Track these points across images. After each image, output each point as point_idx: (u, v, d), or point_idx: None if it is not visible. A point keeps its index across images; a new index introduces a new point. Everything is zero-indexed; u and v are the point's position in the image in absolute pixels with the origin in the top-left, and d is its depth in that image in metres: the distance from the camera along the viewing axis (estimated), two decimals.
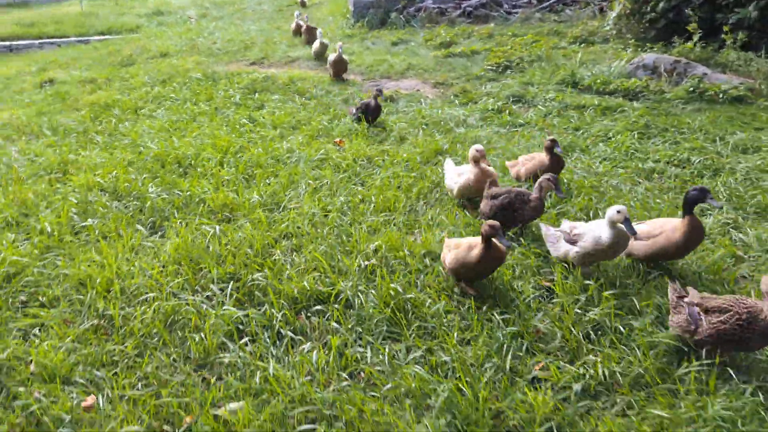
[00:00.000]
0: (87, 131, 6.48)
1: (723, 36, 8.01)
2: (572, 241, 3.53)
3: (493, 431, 2.45)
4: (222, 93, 7.64)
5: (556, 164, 4.54)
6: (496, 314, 3.14)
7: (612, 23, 9.61)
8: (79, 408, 2.66)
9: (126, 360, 2.94)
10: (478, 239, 3.29)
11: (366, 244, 3.78)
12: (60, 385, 2.76)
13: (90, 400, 2.70)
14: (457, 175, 4.46)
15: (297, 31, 11.14)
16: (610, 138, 5.78)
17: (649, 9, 9.01)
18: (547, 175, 3.87)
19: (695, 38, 8.03)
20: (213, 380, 2.78)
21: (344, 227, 4.04)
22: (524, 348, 2.92)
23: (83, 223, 4.24)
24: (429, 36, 10.50)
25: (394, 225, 4.09)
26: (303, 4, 14.40)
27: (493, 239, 3.24)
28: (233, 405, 2.57)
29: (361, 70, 8.70)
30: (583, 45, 9.35)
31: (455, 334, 2.99)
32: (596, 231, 3.46)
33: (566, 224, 3.64)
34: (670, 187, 4.74)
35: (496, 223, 3.18)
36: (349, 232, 3.97)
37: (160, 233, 4.16)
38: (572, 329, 2.98)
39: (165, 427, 2.53)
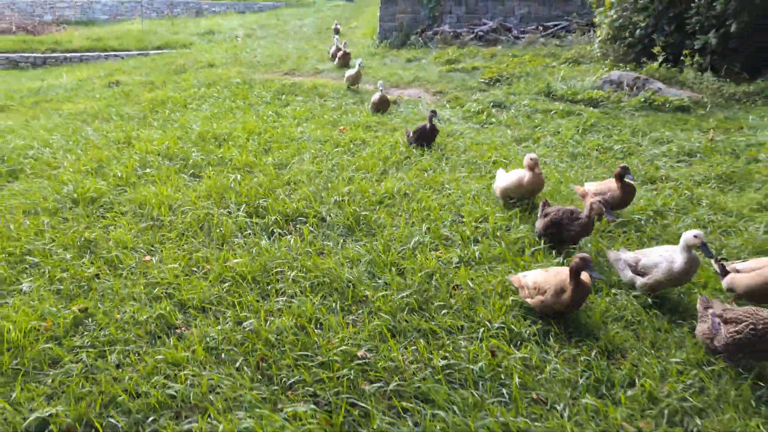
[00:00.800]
0: (146, 117, 8.30)
1: (683, 59, 9.41)
2: (640, 273, 3.67)
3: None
4: (256, 94, 9.41)
5: (627, 193, 4.49)
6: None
7: (597, 47, 11.10)
8: (142, 261, 4.29)
9: (170, 241, 4.57)
10: (561, 275, 3.32)
11: (343, 187, 5.36)
12: (129, 250, 4.41)
13: (148, 257, 4.34)
14: (506, 179, 4.94)
15: (335, 55, 11.97)
16: (558, 132, 7.26)
17: (627, 35, 10.48)
18: (598, 198, 4.00)
19: (659, 60, 9.45)
20: (226, 249, 4.39)
21: (330, 179, 5.64)
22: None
23: (143, 171, 5.96)
24: (439, 55, 12.16)
25: (365, 179, 5.67)
26: (337, 31, 16.03)
27: (582, 273, 3.24)
28: (237, 260, 4.16)
29: (374, 81, 10.38)
30: (572, 64, 10.84)
31: (386, 231, 4.52)
32: (667, 260, 3.55)
33: (627, 254, 3.81)
34: (590, 165, 6.19)
35: (586, 255, 3.22)
36: (333, 181, 5.57)
37: (197, 180, 5.84)
38: None
39: (194, 269, 4.14)
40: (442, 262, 4.11)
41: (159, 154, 6.50)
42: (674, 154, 6.35)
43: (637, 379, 3.05)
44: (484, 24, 13.77)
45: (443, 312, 3.58)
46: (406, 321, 3.50)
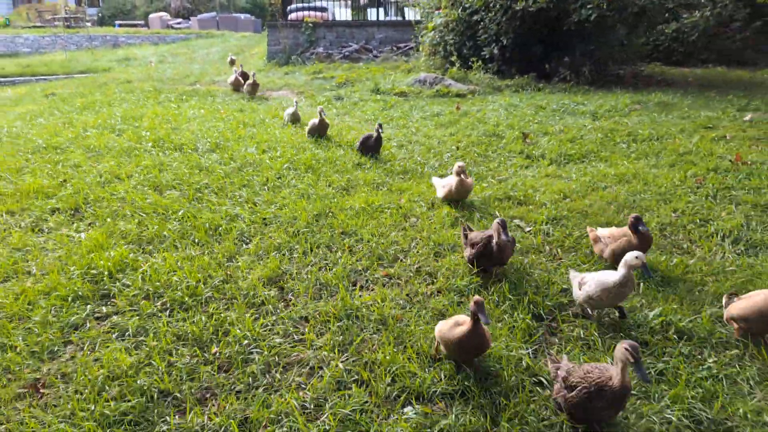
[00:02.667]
0: (81, 112, 12.05)
1: (471, 64, 14.07)
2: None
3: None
4: (163, 96, 13.32)
5: (643, 242, 4.61)
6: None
7: (423, 60, 15.72)
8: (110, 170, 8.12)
9: (111, 158, 8.41)
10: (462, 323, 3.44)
11: (212, 135, 9.35)
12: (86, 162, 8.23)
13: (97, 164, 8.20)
14: (441, 186, 6.20)
15: (235, 83, 13.44)
16: (364, 109, 11.56)
17: (441, 50, 15.12)
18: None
19: (456, 65, 14.06)
20: (137, 160, 8.29)
21: (204, 131, 9.61)
22: None
23: (85, 134, 9.75)
24: (309, 69, 16.50)
25: (228, 130, 9.68)
26: (232, 62, 18.90)
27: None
28: (140, 166, 8.09)
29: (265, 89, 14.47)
30: (405, 72, 15.35)
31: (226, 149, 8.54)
32: (605, 275, 3.88)
33: (578, 273, 4.21)
34: (370, 125, 10.43)
35: (479, 298, 3.28)
36: (207, 132, 9.55)
37: (121, 134, 9.67)
38: None
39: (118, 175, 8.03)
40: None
41: (94, 127, 10.30)
42: (427, 116, 10.73)
43: None
44: (350, 46, 18.25)
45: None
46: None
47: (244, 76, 13.44)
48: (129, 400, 3.46)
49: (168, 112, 11.12)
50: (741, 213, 5.80)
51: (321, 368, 3.77)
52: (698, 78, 14.11)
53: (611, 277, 3.91)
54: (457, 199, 6.26)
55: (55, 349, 3.99)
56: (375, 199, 6.45)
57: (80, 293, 4.57)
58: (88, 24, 32.19)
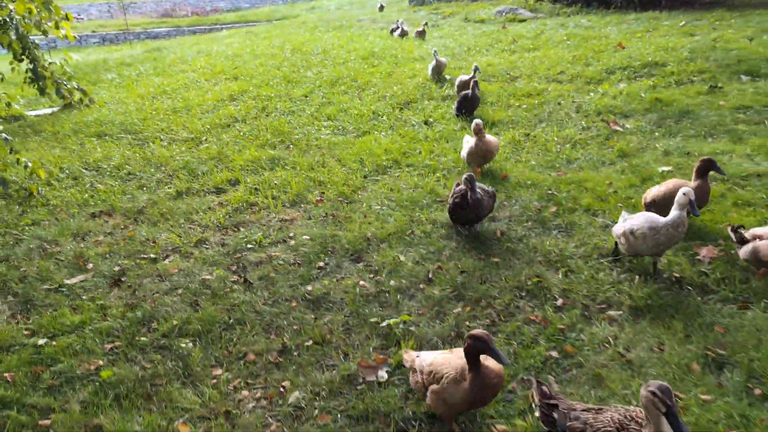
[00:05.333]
0: (261, 40, 19.15)
1: None
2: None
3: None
4: (318, 30, 19.95)
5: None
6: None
7: None
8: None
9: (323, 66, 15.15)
10: (456, 358, 3.10)
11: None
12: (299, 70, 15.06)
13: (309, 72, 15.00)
14: (465, 144, 6.37)
15: (394, 30, 16.40)
16: (447, 30, 17.01)
17: None
18: (465, 175, 4.89)
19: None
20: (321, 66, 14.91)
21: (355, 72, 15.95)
22: None
23: (316, 55, 16.69)
24: (431, 7, 22.06)
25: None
26: (381, 8, 24.32)
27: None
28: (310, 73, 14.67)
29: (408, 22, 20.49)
30: (496, 5, 20.27)
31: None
32: (654, 215, 4.08)
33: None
34: (448, 41, 15.92)
35: (482, 332, 2.88)
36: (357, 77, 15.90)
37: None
38: None
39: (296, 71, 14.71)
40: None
41: (262, 47, 17.16)
42: (479, 33, 15.90)
43: None
44: None
45: None
46: None
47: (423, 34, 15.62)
48: None
49: (311, 37, 17.70)
50: None
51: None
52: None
53: (662, 218, 3.95)
54: (482, 162, 6.38)
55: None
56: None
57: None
58: None
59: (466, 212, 4.91)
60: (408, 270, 4.85)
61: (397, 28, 16.11)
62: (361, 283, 4.74)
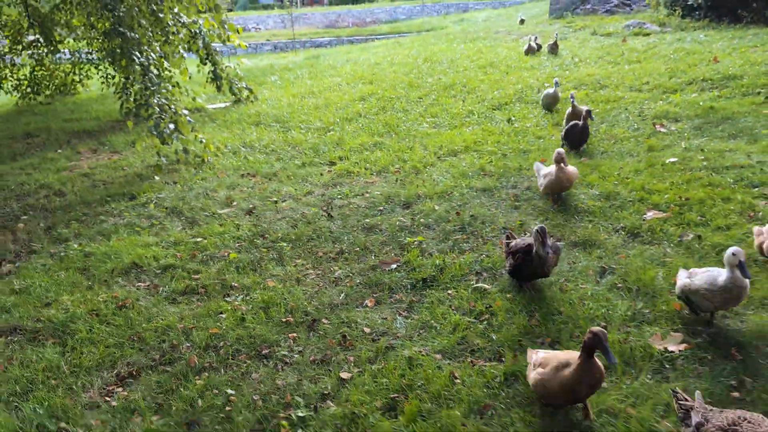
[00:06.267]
0: (399, 50, 21.93)
1: (671, 12, 19.61)
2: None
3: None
4: (456, 41, 22.38)
5: None
6: None
7: (649, 11, 21.46)
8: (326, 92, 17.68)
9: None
10: (566, 354, 3.50)
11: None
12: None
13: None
14: (542, 176, 6.51)
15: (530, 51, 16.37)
16: (580, 49, 18.71)
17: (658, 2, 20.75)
18: (537, 227, 4.65)
19: (663, 14, 19.80)
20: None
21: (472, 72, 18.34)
22: None
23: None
24: (565, 21, 23.60)
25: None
26: (522, 22, 27.76)
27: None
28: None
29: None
30: (626, 20, 21.41)
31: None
32: (715, 271, 4.02)
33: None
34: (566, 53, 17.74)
35: (600, 329, 3.23)
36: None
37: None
38: None
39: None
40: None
41: (401, 56, 19.89)
42: (599, 45, 17.43)
43: None
44: (612, 2, 24.54)
45: None
46: None
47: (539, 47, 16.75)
48: None
49: (446, 48, 20.15)
50: None
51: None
52: None
53: (720, 276, 3.94)
54: (559, 190, 6.51)
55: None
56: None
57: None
58: None
59: (531, 268, 4.79)
60: (437, 215, 7.13)
61: (530, 47, 16.40)
62: (402, 219, 7.10)
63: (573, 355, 3.46)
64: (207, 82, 14.34)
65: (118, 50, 9.85)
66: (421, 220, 7.04)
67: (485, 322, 4.98)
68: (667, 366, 4.22)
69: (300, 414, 4.13)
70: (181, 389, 4.51)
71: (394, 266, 6.03)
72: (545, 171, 6.53)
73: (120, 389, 4.61)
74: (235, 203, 8.16)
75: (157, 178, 9.44)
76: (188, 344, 5.07)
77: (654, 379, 4.10)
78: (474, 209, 7.11)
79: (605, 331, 3.26)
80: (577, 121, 8.23)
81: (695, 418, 2.87)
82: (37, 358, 5.00)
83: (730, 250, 3.89)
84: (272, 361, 4.80)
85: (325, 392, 4.37)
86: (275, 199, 8.15)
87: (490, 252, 6.13)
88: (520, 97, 12.42)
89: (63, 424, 4.25)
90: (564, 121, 9.13)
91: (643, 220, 6.43)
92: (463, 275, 5.74)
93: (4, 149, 12.04)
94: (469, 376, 4.34)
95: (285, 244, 6.73)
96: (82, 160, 11.06)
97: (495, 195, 7.50)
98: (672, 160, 7.95)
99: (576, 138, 8.27)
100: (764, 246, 4.82)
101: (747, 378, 3.89)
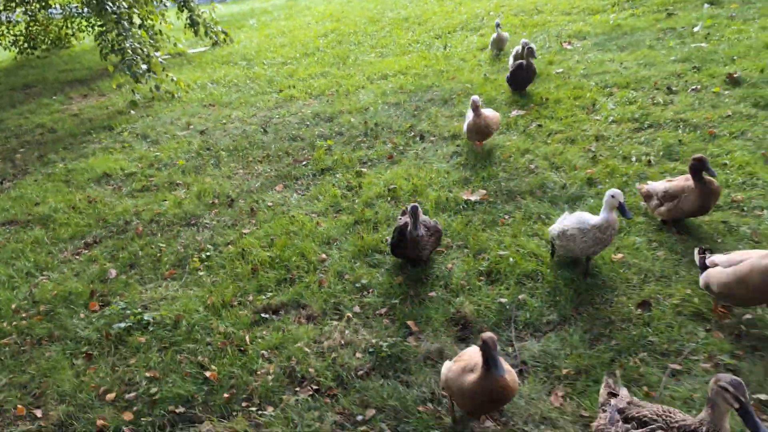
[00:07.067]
0: None
1: None
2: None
3: None
4: None
5: (706, 195, 4.52)
6: None
7: None
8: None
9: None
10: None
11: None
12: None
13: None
14: (466, 123, 6.74)
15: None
16: None
17: None
18: (410, 206, 4.61)
19: None
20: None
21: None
22: None
23: None
24: None
25: None
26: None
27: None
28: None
29: None
30: None
31: None
32: (585, 215, 4.19)
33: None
34: None
35: (488, 336, 2.99)
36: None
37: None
38: None
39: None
40: None
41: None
42: None
43: None
44: None
45: None
46: None
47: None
48: None
49: None
50: None
51: None
52: None
53: (591, 219, 4.06)
54: (479, 138, 6.69)
55: None
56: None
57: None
58: None
59: (405, 251, 4.73)
60: (350, 125, 8.84)
61: None
62: (321, 130, 8.85)
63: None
64: (185, 27, 15.95)
65: (94, 1, 11.51)
66: (336, 129, 8.76)
67: (354, 192, 6.76)
68: (467, 208, 5.99)
69: (207, 254, 5.97)
70: (128, 247, 6.38)
71: (304, 163, 7.79)
72: (468, 118, 6.71)
73: (86, 251, 6.49)
74: (192, 126, 9.94)
75: (132, 112, 11.21)
76: (138, 221, 6.93)
77: (458, 215, 5.89)
78: (379, 119, 8.79)
79: (494, 337, 3.05)
80: (522, 61, 8.29)
81: (616, 405, 2.93)
82: (26, 237, 6.90)
83: (609, 192, 3.99)
84: (197, 227, 6.65)
85: (229, 242, 6.20)
86: (225, 121, 9.90)
87: (378, 148, 7.85)
88: (463, 26, 13.85)
89: (45, 273, 6.15)
90: (510, 58, 9.40)
91: (509, 116, 8.06)
92: (353, 164, 7.48)
93: (4, 99, 13.89)
94: (330, 224, 6.15)
95: (224, 153, 8.52)
96: (74, 104, 12.88)
97: (401, 107, 9.14)
98: (558, 70, 9.49)
99: (522, 79, 8.39)
100: (651, 205, 4.94)
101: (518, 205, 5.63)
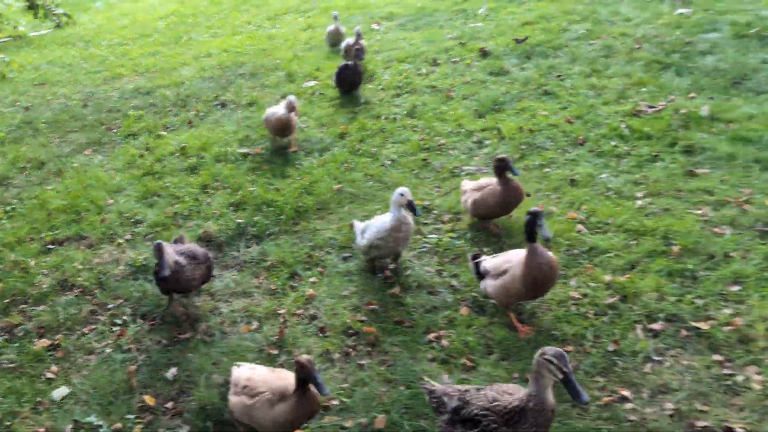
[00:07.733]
0: None
1: None
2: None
3: None
4: None
5: (510, 193, 4.74)
6: None
7: None
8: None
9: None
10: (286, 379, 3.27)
11: None
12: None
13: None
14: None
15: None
16: None
17: None
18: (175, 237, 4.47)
19: None
20: None
21: None
22: None
23: None
24: None
25: None
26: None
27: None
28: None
29: None
30: None
31: None
32: (380, 220, 4.34)
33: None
34: None
35: (306, 358, 3.05)
36: None
37: None
38: None
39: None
40: None
41: None
42: None
43: None
44: None
45: None
46: None
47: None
48: None
49: None
50: None
51: None
52: None
53: (386, 223, 4.18)
54: (279, 133, 7.14)
55: None
56: None
57: None
58: None
59: (168, 285, 4.44)
60: (165, 96, 9.95)
61: None
62: (138, 103, 9.90)
63: (287, 383, 3.22)
64: (25, 9, 16.26)
65: None
66: (150, 101, 9.85)
67: (150, 151, 7.94)
68: (240, 159, 7.35)
69: (12, 207, 6.96)
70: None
71: (114, 131, 8.85)
72: (276, 112, 7.07)
73: None
74: (18, 103, 10.69)
75: None
76: None
77: (231, 164, 7.23)
78: (191, 91, 9.96)
79: (311, 359, 3.10)
80: (347, 62, 8.17)
81: (451, 404, 2.92)
82: None
83: (398, 191, 4.08)
84: (5, 186, 7.59)
85: (34, 196, 7.21)
86: (51, 98, 10.72)
87: (182, 115, 9.05)
88: (296, 9, 15.12)
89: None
90: (342, 52, 9.77)
91: (301, 87, 9.47)
92: (156, 129, 8.65)
93: None
94: (123, 177, 7.32)
95: (44, 125, 9.41)
96: None
97: (218, 80, 10.35)
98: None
99: (348, 80, 8.20)
100: (468, 203, 5.02)
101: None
